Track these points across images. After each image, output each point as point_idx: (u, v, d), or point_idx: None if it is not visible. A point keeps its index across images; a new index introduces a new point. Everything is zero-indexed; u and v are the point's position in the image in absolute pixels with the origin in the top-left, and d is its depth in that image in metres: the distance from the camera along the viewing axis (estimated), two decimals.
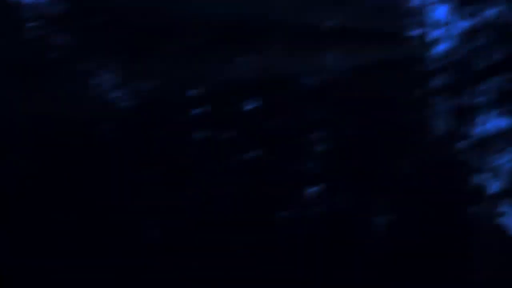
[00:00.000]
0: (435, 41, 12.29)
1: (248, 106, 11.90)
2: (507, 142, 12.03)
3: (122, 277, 10.42)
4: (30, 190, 10.67)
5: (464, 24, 12.26)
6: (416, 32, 12.25)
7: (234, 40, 11.72)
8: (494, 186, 11.96)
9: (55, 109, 11.16)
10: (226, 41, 11.67)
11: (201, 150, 11.67)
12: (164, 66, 11.57)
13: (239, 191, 11.69)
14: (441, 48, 12.33)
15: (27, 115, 11.24)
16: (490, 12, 12.13)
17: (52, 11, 11.82)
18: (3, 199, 10.59)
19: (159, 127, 11.47)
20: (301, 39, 11.87)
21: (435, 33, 12.32)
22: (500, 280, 11.37)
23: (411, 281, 11.36)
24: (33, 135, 11.26)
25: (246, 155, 11.81)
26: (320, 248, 11.51)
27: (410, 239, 12.01)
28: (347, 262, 11.66)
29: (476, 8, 12.14)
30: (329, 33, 12.08)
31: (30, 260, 10.20)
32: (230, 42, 11.63)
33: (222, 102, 11.78)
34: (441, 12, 12.45)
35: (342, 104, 12.08)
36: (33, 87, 11.42)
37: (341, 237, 11.92)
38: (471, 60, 12.18)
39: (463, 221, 11.93)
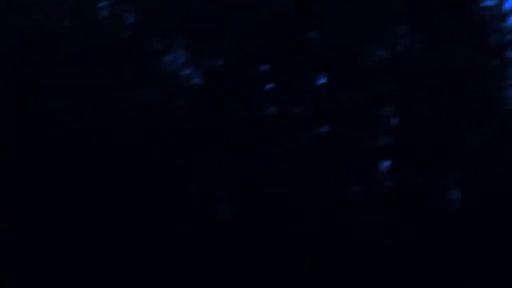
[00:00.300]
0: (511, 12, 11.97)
1: (320, 81, 11.76)
2: None
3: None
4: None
5: None
6: (491, 2, 11.91)
7: (304, 14, 11.57)
8: None
9: (129, 88, 11.23)
10: (296, 14, 11.53)
11: (273, 125, 11.62)
12: (235, 42, 11.50)
13: (311, 165, 11.63)
14: None
15: (102, 94, 11.33)
16: None
17: None
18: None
19: (231, 103, 11.43)
20: (372, 12, 11.64)
21: (510, 3, 11.99)
22: None
23: (487, 247, 11.25)
24: (109, 112, 11.35)
25: (317, 130, 11.70)
26: (394, 221, 11.45)
27: (483, 212, 11.86)
28: (420, 234, 11.57)
29: None
30: (400, 5, 11.81)
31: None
32: (301, 15, 11.49)
33: (293, 77, 11.67)
34: None
35: (414, 77, 11.86)
36: (107, 66, 11.49)
37: (413, 211, 11.82)
38: None
39: None
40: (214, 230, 10.94)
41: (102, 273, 10.46)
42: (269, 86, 11.79)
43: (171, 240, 10.81)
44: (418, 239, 11.04)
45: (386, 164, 11.83)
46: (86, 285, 10.48)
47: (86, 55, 11.47)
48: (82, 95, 11.23)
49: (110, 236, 10.80)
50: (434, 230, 11.42)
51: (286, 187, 11.65)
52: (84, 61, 11.39)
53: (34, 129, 10.81)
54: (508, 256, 11.12)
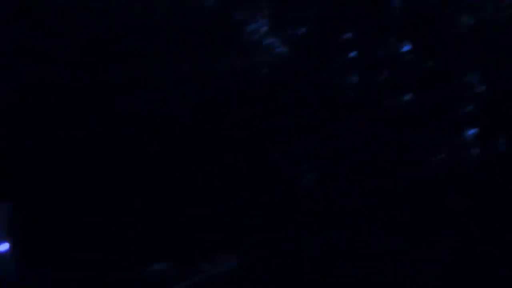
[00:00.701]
0: None
1: (404, 48, 11.62)
2: None
3: None
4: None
5: None
6: None
7: None
8: None
9: (213, 57, 11.37)
10: None
11: (357, 93, 11.60)
12: (318, 10, 11.48)
13: (394, 134, 11.58)
14: None
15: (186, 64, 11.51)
16: None
17: None
18: None
19: (315, 71, 11.45)
20: None
21: None
22: None
23: None
24: (192, 81, 11.53)
25: (401, 97, 11.62)
26: (480, 189, 11.31)
27: None
28: (502, 202, 11.41)
29: None
30: None
31: None
32: None
33: (377, 45, 11.58)
34: None
35: (501, 44, 11.59)
36: (189, 35, 11.64)
37: (498, 180, 11.65)
38: None
39: None
40: (300, 198, 11.00)
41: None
42: (352, 54, 11.71)
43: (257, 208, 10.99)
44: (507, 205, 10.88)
45: (471, 132, 11.64)
46: None
47: (169, 25, 11.63)
48: (164, 62, 11.41)
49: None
50: None
51: (370, 156, 11.64)
52: (166, 31, 11.57)
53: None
54: None
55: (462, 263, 9.90)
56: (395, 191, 11.59)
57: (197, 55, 11.52)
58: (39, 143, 10.83)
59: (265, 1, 11.87)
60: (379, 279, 9.41)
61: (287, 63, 11.64)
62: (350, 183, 11.47)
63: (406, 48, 11.74)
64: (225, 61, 11.33)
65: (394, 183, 11.60)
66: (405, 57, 11.74)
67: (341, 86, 11.71)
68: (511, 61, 11.86)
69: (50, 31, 11.29)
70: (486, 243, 10.31)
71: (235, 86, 11.27)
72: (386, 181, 11.61)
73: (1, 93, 10.84)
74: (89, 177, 11.39)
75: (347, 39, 11.76)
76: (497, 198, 11.62)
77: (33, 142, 10.75)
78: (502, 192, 11.62)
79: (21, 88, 10.93)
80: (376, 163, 11.55)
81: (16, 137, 10.63)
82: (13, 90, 10.83)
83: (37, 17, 11.37)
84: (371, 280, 9.48)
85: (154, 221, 11.31)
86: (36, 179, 10.90)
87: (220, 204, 11.11)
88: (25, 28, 11.31)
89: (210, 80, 11.43)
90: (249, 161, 11.19)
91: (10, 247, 6.16)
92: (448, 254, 10.30)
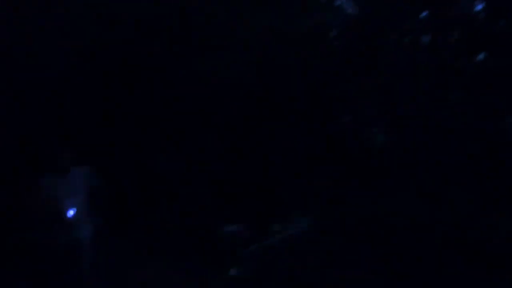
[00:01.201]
0: None
1: (476, 7, 11.36)
2: None
3: None
4: None
5: None
6: None
7: None
8: None
9: (284, 19, 11.27)
10: None
11: (428, 54, 11.41)
12: None
13: (466, 95, 11.40)
14: None
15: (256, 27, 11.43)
16: None
17: None
18: None
19: (385, 32, 11.28)
20: None
21: None
22: None
23: None
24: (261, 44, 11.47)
25: (474, 58, 11.40)
26: None
27: None
28: None
29: None
30: None
31: None
32: None
33: (449, 4, 11.32)
34: None
35: None
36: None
37: None
38: None
39: None
40: (368, 157, 10.96)
41: None
42: (424, 13, 11.49)
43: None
44: None
45: None
46: None
47: None
48: (233, 25, 11.34)
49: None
50: None
51: (440, 117, 11.49)
52: None
53: None
54: None
55: None
56: (466, 155, 11.44)
57: (267, 17, 11.43)
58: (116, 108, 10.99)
59: None
60: (450, 247, 9.24)
61: (358, 24, 11.45)
62: (422, 145, 11.34)
63: (479, 7, 11.44)
64: (295, 22, 11.21)
65: (464, 147, 11.44)
66: (478, 17, 11.44)
67: (413, 47, 11.49)
68: None
69: None
70: None
71: (306, 48, 11.17)
72: (457, 144, 11.46)
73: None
74: (165, 142, 11.55)
75: None
76: None
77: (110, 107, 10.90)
78: None
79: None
80: (447, 125, 11.39)
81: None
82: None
83: None
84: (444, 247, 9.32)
85: (227, 182, 11.42)
86: (113, 145, 11.10)
87: (293, 165, 11.13)
88: None
89: (280, 42, 11.35)
90: (322, 123, 11.14)
91: (86, 213, 6.15)
92: None
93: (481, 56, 11.56)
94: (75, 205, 5.97)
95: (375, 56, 11.49)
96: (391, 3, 11.40)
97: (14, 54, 10.39)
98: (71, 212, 5.91)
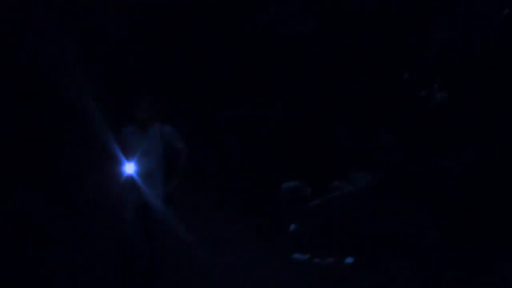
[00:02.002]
0: None
1: None
2: None
3: None
4: None
5: None
6: None
7: None
8: None
9: None
10: None
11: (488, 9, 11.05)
12: None
13: None
14: None
15: None
16: None
17: None
18: None
19: None
20: None
21: None
22: None
23: None
24: None
25: None
26: None
27: None
28: None
29: None
30: None
31: None
32: None
33: None
34: None
35: None
36: None
37: None
38: None
39: None
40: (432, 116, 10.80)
41: None
42: None
43: None
44: None
45: None
46: None
47: None
48: None
49: None
50: None
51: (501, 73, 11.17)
52: None
53: None
54: None
55: None
56: None
57: None
58: None
59: None
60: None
61: None
62: (484, 101, 11.09)
63: None
64: None
65: None
66: None
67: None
68: None
69: None
70: None
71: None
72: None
73: None
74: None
75: None
76: None
77: None
78: None
79: None
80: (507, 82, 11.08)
81: None
82: None
83: None
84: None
85: (289, 140, 11.50)
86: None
87: (354, 121, 11.10)
88: None
89: None
90: (382, 80, 11.00)
91: (160, 172, 5.84)
92: None
93: None
94: (150, 162, 5.68)
95: (435, 12, 11.17)
96: None
97: None
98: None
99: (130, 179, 5.60)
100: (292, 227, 8.96)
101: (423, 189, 9.64)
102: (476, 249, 6.95)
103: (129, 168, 5.59)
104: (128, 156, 5.61)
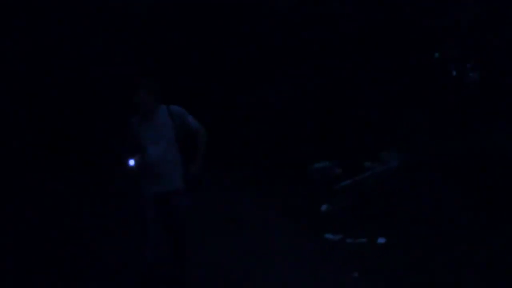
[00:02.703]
0: None
1: None
2: None
3: None
4: None
5: None
6: None
7: None
8: None
9: None
10: None
11: None
12: None
13: None
14: None
15: None
16: None
17: None
18: None
19: None
20: None
21: None
22: None
23: None
24: None
25: None
26: None
27: None
28: None
29: None
30: None
31: None
32: None
33: None
34: None
35: None
36: None
37: None
38: None
39: None
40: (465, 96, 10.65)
41: None
42: None
43: None
44: None
45: None
46: None
47: None
48: None
49: None
50: None
51: None
52: None
53: None
54: None
55: None
56: None
57: None
58: None
59: None
60: None
61: None
62: None
63: None
64: None
65: None
66: None
67: None
68: None
69: None
70: None
71: None
72: None
73: None
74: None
75: None
76: None
77: None
78: None
79: None
80: None
81: None
82: None
83: None
84: None
85: (318, 120, 11.49)
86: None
87: (385, 101, 11.03)
88: None
89: None
90: (413, 58, 10.87)
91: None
92: None
93: None
94: (164, 148, 5.01)
95: None
96: None
97: None
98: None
99: (144, 171, 4.95)
100: (324, 207, 8.98)
101: (454, 169, 9.56)
102: (508, 230, 6.90)
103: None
104: (140, 148, 5.00)
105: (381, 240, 7.01)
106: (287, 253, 6.64)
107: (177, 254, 5.22)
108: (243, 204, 9.32)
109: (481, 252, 6.26)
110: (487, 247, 6.41)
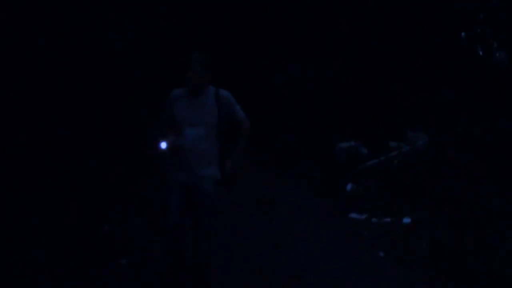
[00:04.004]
0: None
1: None
2: None
3: None
4: None
5: None
6: None
7: None
8: None
9: None
10: None
11: None
12: None
13: None
14: None
15: None
16: None
17: None
18: None
19: None
20: None
21: None
22: None
23: None
24: None
25: None
26: None
27: None
28: None
29: None
30: None
31: None
32: None
33: None
34: None
35: None
36: None
37: None
38: None
39: None
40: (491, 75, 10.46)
41: None
42: None
43: None
44: None
45: None
46: None
47: None
48: None
49: None
50: None
51: None
52: None
53: None
54: None
55: None
56: None
57: None
58: None
59: None
60: None
61: None
62: None
63: None
64: None
65: None
66: None
67: None
68: None
69: None
70: None
71: None
72: None
73: None
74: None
75: None
76: None
77: None
78: None
79: None
80: None
81: None
82: None
83: None
84: None
85: (344, 99, 11.42)
86: None
87: (411, 81, 10.91)
88: None
89: None
90: (440, 37, 10.69)
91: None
92: None
93: None
94: (203, 133, 4.41)
95: None
96: None
97: None
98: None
99: (174, 155, 4.36)
100: (349, 187, 8.96)
101: (482, 149, 9.44)
102: None
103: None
104: (176, 126, 4.43)
105: (407, 220, 6.97)
106: (313, 232, 6.65)
107: (197, 243, 4.50)
108: (270, 184, 9.33)
109: (509, 233, 6.19)
110: None
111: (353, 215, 7.48)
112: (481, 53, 10.75)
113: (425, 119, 10.48)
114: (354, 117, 11.10)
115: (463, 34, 10.96)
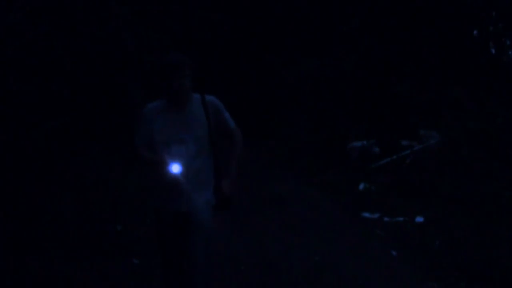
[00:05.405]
0: None
1: None
2: None
3: None
4: None
5: None
6: None
7: None
8: None
9: None
10: None
11: None
12: None
13: None
14: None
15: None
16: None
17: None
18: None
19: None
20: None
21: None
22: None
23: None
24: None
25: None
26: None
27: None
28: None
29: None
30: None
31: None
32: None
33: None
34: None
35: None
36: None
37: None
38: None
39: None
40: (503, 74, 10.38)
41: None
42: None
43: None
44: None
45: None
46: None
47: None
48: None
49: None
50: None
51: None
52: None
53: None
54: None
55: None
56: None
57: None
58: None
59: None
60: None
61: None
62: None
63: None
64: None
65: None
66: None
67: None
68: None
69: None
70: None
71: None
72: None
73: None
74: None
75: None
76: None
77: None
78: None
79: None
80: None
81: None
82: None
83: None
84: None
85: (356, 98, 11.38)
86: None
87: (423, 78, 10.85)
88: None
89: None
90: (452, 35, 10.62)
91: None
92: None
93: None
94: (192, 150, 3.72)
95: None
96: None
97: None
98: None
99: (164, 178, 3.64)
100: (362, 186, 8.92)
101: (494, 147, 9.39)
102: None
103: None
104: (159, 146, 3.72)
105: (419, 219, 6.93)
106: (325, 231, 6.62)
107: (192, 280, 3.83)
108: (282, 182, 9.31)
109: None
110: None
111: (366, 214, 7.44)
112: (493, 51, 10.64)
113: (437, 117, 10.41)
114: (366, 116, 11.04)
115: (475, 32, 10.84)
